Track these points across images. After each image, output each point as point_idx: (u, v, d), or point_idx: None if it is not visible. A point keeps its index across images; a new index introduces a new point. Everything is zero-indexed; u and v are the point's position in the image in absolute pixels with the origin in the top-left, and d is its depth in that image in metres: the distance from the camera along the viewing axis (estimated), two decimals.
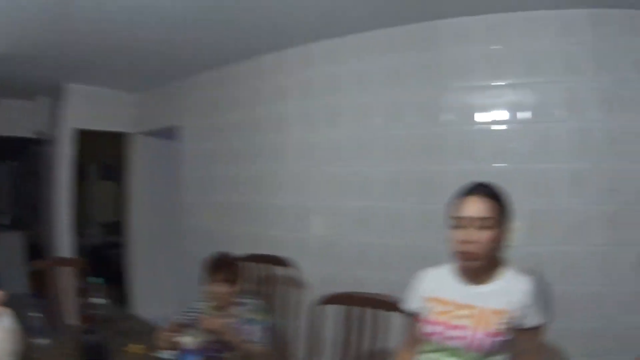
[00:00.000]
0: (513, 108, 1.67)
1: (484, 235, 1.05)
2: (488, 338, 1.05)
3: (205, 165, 2.59)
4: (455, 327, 1.09)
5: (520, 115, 1.67)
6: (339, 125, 1.96)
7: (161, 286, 3.11)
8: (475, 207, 1.07)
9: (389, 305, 1.45)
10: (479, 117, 1.71)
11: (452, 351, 1.10)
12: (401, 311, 1.33)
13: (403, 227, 1.77)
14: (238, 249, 2.11)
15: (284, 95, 2.16)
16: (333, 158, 1.95)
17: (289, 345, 1.94)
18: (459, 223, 1.08)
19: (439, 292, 1.16)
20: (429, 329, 1.12)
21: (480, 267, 1.08)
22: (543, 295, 1.09)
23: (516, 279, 1.11)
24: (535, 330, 1.09)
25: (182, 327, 1.58)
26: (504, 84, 1.69)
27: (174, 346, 1.40)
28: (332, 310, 1.58)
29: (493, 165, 1.66)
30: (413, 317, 1.20)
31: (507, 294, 1.08)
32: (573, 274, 1.58)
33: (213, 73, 2.54)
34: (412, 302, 1.22)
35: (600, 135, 1.59)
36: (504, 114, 1.69)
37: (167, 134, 3.03)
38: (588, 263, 1.57)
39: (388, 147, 1.84)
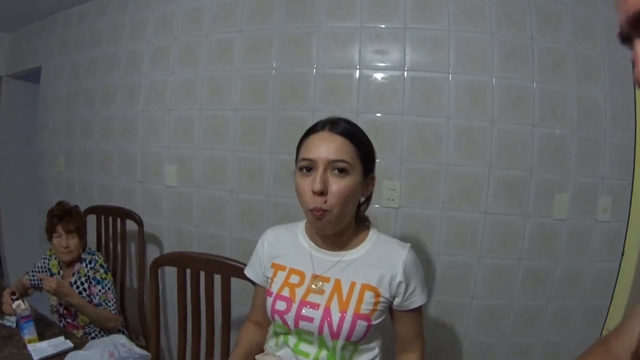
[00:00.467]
0: (398, 55, 1.50)
1: (338, 185, 0.82)
2: (348, 321, 0.83)
3: (62, 110, 2.22)
4: (306, 305, 0.86)
5: (408, 63, 1.50)
6: (194, 64, 1.70)
7: (29, 245, 2.78)
8: (324, 147, 0.82)
9: (227, 269, 1.22)
10: (356, 61, 1.52)
11: (303, 336, 0.88)
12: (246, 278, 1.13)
13: (261, 179, 1.60)
14: (92, 202, 1.89)
15: (143, 31, 1.85)
16: (187, 101, 1.70)
17: (135, 306, 1.77)
18: (305, 165, 0.84)
19: (287, 258, 0.93)
20: (274, 304, 0.89)
21: (335, 227, 0.84)
22: (421, 269, 0.91)
23: (389, 247, 0.90)
24: (419, 311, 0.91)
25: (27, 289, 1.51)
26: (389, 27, 1.49)
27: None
28: (170, 271, 1.41)
29: (377, 115, 1.49)
30: (257, 287, 0.99)
31: (377, 266, 0.87)
32: (460, 242, 1.51)
33: (73, 9, 2.16)
34: (254, 268, 0.98)
35: (498, 92, 1.48)
36: (387, 60, 1.51)
37: (35, 76, 2.63)
38: (478, 230, 1.50)
39: (247, 88, 1.61)
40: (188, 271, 1.24)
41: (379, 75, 1.52)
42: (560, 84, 1.53)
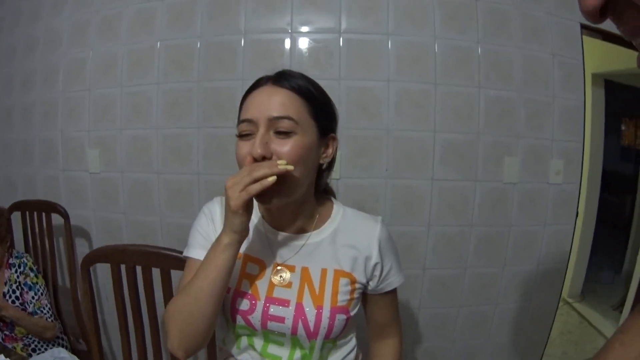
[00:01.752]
0: (333, 17, 1.40)
1: (283, 147, 0.66)
2: (326, 317, 0.70)
3: None
4: (273, 302, 0.72)
5: (344, 25, 1.40)
6: (115, 38, 1.54)
7: None
8: (265, 103, 0.67)
9: (165, 261, 1.04)
10: (287, 26, 1.40)
11: (271, 337, 0.74)
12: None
13: (188, 157, 1.47)
14: (17, 197, 1.72)
15: (62, 6, 1.69)
16: (108, 78, 1.54)
17: (71, 307, 1.62)
18: (244, 130, 0.69)
19: None
20: (234, 302, 0.73)
21: (284, 199, 0.68)
22: (394, 244, 0.80)
23: (359, 223, 0.77)
24: (394, 292, 0.81)
25: None
26: None
27: None
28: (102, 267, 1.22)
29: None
30: (192, 261, 0.76)
31: (348, 246, 0.75)
32: (407, 211, 1.42)
33: None
34: (202, 244, 0.75)
35: (439, 52, 1.40)
36: (321, 23, 1.40)
37: None
38: (425, 198, 1.42)
39: (169, 60, 1.47)
40: (123, 267, 1.10)
41: (312, 40, 1.41)
42: (505, 45, 1.48)
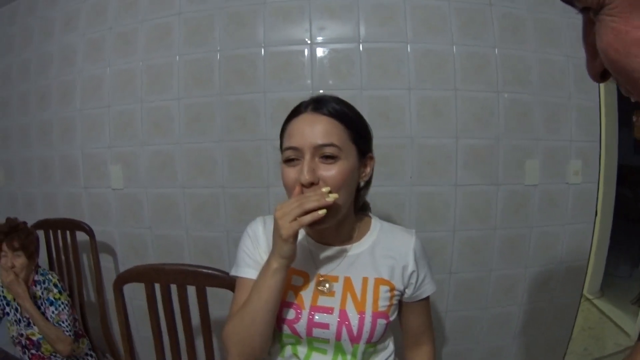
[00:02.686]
0: (351, 27, 1.40)
1: (329, 172, 0.70)
2: (368, 321, 0.74)
3: None
4: (318, 310, 0.75)
5: (363, 34, 1.40)
6: (132, 54, 1.54)
7: None
8: (309, 131, 0.71)
9: (201, 279, 1.05)
10: (307, 36, 1.41)
11: (315, 345, 0.76)
12: (223, 284, 1.00)
13: (212, 170, 1.47)
14: (37, 214, 1.73)
15: (75, 23, 1.68)
16: (126, 94, 1.54)
17: (98, 323, 1.63)
18: (289, 156, 0.73)
19: None
20: (280, 312, 0.76)
21: (332, 220, 0.72)
22: (427, 255, 0.84)
23: (395, 235, 0.82)
24: (427, 300, 0.85)
25: None
26: None
27: None
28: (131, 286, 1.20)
29: (333, 91, 1.36)
30: (244, 280, 0.80)
31: (387, 257, 0.79)
32: (432, 217, 1.43)
33: (2, 9, 1.93)
34: (250, 264, 0.80)
35: (457, 58, 1.41)
36: (340, 33, 1.41)
37: None
38: (450, 203, 1.42)
39: (189, 74, 1.47)
40: (157, 285, 1.11)
41: (332, 50, 1.42)
42: (521, 49, 1.48)
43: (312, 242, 0.81)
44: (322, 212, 0.67)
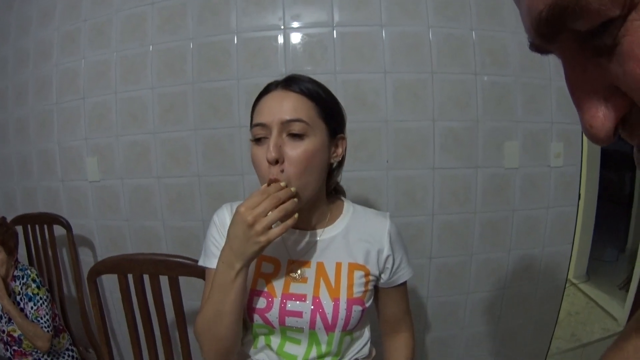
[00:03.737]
0: (325, 11, 1.38)
1: (296, 150, 0.68)
2: (343, 308, 0.72)
3: None
4: (290, 297, 0.73)
5: (337, 18, 1.39)
6: (106, 45, 1.52)
7: None
8: (277, 107, 0.69)
9: (173, 268, 1.04)
10: (279, 22, 1.38)
11: (288, 334, 0.74)
12: (195, 273, 0.98)
13: (187, 159, 1.45)
14: (17, 210, 1.72)
15: (50, 17, 1.66)
16: (101, 86, 1.53)
17: (78, 316, 1.62)
18: (258, 134, 0.70)
19: None
20: (250, 302, 0.74)
21: (299, 201, 0.69)
22: (403, 238, 0.82)
23: (369, 218, 0.80)
24: (404, 285, 0.83)
25: None
26: None
27: None
28: (111, 279, 1.20)
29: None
30: (211, 271, 0.78)
31: (361, 241, 0.77)
32: (410, 201, 1.41)
33: None
34: (213, 261, 0.75)
35: (433, 41, 1.39)
36: (313, 18, 1.39)
37: None
38: (428, 187, 1.40)
39: (162, 64, 1.46)
40: (130, 276, 1.09)
41: (305, 34, 1.40)
42: (499, 30, 1.47)
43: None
44: (295, 216, 0.66)
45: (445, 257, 1.47)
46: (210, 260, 0.78)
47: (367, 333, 0.83)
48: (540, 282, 1.56)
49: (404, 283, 0.82)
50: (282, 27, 1.41)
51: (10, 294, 1.36)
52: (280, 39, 1.40)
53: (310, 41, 1.40)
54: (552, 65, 1.51)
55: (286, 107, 0.69)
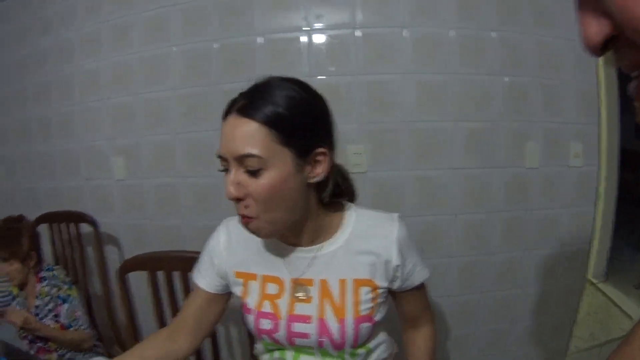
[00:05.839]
0: (347, 13, 1.39)
1: (253, 186, 0.62)
2: (350, 327, 0.69)
3: None
4: (296, 320, 0.71)
5: (359, 20, 1.39)
6: (128, 46, 1.54)
7: None
8: (230, 139, 0.62)
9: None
10: (302, 23, 1.40)
11: (301, 349, 0.74)
12: None
13: (211, 159, 1.45)
14: (40, 209, 1.74)
15: (71, 18, 1.69)
16: (124, 87, 1.55)
17: (104, 313, 1.64)
18: (222, 164, 0.65)
19: (252, 262, 0.75)
20: (257, 324, 0.73)
21: (274, 231, 0.66)
22: (414, 240, 0.75)
23: (375, 224, 0.73)
24: (422, 285, 0.79)
25: None
26: None
27: None
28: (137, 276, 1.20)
29: (330, 77, 1.37)
30: (196, 290, 0.80)
31: (365, 252, 0.71)
32: (432, 201, 1.42)
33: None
34: (206, 276, 0.78)
35: (454, 42, 1.40)
36: (336, 19, 1.39)
37: None
38: (449, 187, 1.41)
39: (186, 65, 1.47)
40: (159, 273, 1.11)
41: (328, 36, 1.41)
42: (518, 31, 1.47)
43: (282, 245, 0.74)
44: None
45: (466, 256, 1.48)
46: (196, 275, 0.82)
47: (384, 337, 0.81)
48: (559, 281, 1.56)
49: (422, 284, 0.78)
50: (307, 28, 1.42)
51: (37, 295, 1.35)
52: (304, 40, 1.41)
53: (333, 42, 1.41)
54: (570, 65, 1.51)
55: (238, 139, 0.61)
